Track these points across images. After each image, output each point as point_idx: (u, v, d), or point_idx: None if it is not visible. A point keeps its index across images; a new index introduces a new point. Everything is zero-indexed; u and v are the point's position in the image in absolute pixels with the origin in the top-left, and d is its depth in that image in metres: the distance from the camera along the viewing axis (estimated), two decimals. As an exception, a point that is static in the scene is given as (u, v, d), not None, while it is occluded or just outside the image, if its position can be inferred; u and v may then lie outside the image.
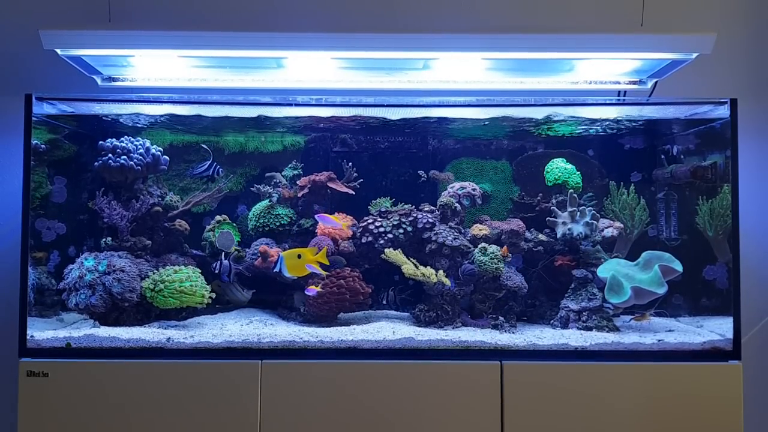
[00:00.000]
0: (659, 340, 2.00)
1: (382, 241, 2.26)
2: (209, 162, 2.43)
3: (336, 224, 2.20)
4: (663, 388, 1.88)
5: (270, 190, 2.49)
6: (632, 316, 2.23)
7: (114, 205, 2.22)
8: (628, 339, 2.02)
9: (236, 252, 2.39)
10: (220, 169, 2.44)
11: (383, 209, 2.39)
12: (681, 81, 2.28)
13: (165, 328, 2.07)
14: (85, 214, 2.38)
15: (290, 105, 2.19)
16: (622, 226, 2.36)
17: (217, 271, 2.25)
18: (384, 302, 2.32)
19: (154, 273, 2.13)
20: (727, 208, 2.14)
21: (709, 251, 2.24)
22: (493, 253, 2.18)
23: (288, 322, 2.25)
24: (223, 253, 2.31)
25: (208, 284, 2.16)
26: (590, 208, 2.29)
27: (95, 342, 1.94)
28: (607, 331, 2.10)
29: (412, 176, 2.56)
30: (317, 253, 2.12)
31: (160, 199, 2.35)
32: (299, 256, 2.09)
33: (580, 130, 2.49)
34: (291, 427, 1.87)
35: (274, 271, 2.13)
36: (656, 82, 2.29)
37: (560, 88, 2.28)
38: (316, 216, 2.25)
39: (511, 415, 1.87)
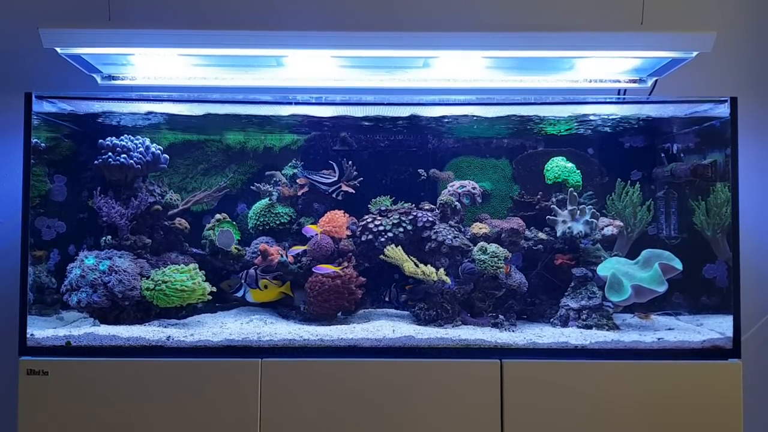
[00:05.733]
0: (659, 339, 2.00)
1: (382, 239, 2.26)
2: (335, 178, 2.38)
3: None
4: (663, 386, 1.88)
5: (270, 189, 2.49)
6: (636, 313, 2.23)
7: (113, 203, 2.22)
8: (628, 337, 2.02)
9: (236, 251, 2.39)
10: (342, 194, 2.38)
11: (383, 208, 2.39)
12: (681, 79, 2.28)
13: (165, 327, 2.07)
14: (86, 213, 2.38)
15: (290, 104, 2.19)
16: (622, 224, 2.35)
17: (240, 294, 2.24)
18: (386, 299, 2.31)
19: (155, 271, 2.13)
20: (722, 206, 2.14)
21: (708, 250, 2.24)
22: (492, 251, 2.18)
23: (288, 320, 2.25)
24: (245, 276, 2.27)
25: (206, 281, 2.16)
26: (590, 206, 2.29)
27: (95, 340, 1.94)
28: (607, 330, 2.10)
29: (412, 175, 2.56)
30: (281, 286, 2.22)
31: (160, 197, 2.35)
32: (265, 287, 2.20)
33: (580, 129, 2.49)
34: (291, 425, 1.87)
35: (237, 296, 2.21)
36: (656, 81, 2.29)
37: (560, 86, 2.28)
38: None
39: (510, 413, 1.87)
